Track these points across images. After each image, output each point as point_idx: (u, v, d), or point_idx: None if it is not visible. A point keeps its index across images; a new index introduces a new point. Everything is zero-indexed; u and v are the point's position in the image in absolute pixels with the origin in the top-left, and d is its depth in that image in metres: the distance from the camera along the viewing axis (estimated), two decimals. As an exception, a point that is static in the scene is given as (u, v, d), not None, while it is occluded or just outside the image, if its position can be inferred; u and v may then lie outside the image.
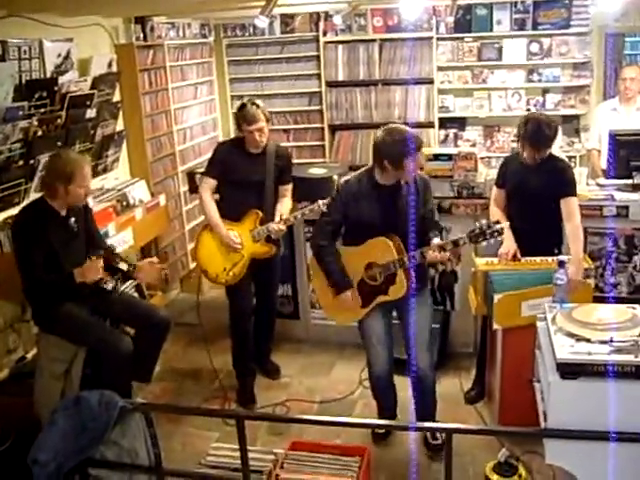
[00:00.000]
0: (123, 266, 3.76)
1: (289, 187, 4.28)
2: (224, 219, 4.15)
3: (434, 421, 3.64)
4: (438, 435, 3.67)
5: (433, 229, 3.45)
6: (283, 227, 4.11)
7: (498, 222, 3.33)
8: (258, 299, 4.47)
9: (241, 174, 4.10)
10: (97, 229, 3.96)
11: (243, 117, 3.99)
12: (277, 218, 4.12)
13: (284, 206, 4.23)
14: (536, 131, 3.60)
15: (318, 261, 3.63)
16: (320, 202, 3.80)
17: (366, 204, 3.44)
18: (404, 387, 3.78)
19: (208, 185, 4.18)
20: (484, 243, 3.32)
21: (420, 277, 3.49)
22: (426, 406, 3.67)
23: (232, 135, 6.83)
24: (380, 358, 3.60)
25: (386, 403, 3.83)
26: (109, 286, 3.72)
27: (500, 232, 3.29)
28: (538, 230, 3.72)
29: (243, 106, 4.03)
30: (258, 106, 4.01)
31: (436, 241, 3.34)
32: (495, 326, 3.62)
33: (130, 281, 4.21)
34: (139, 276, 3.87)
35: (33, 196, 4.20)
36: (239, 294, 4.27)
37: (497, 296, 3.54)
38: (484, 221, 3.30)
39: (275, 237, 4.17)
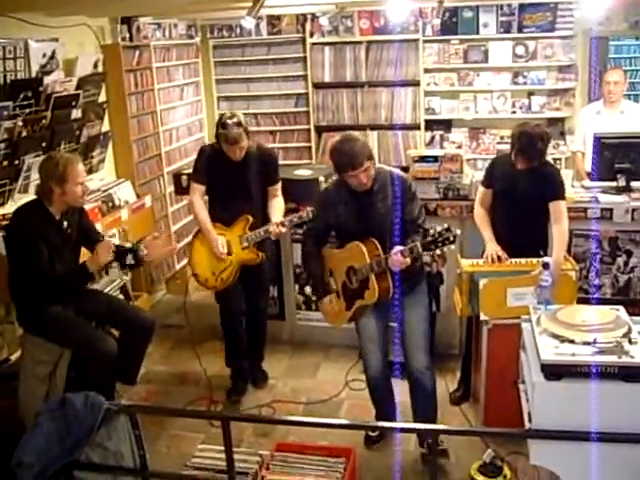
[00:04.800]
0: (128, 245, 3.74)
1: (278, 186, 4.23)
2: (216, 222, 4.13)
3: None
4: (440, 441, 3.46)
5: (412, 234, 3.28)
6: (284, 229, 4.02)
7: (449, 229, 3.11)
8: (248, 304, 4.45)
9: (225, 181, 4.06)
10: (95, 228, 3.94)
11: (225, 137, 3.90)
12: (274, 220, 4.05)
13: (277, 208, 4.17)
14: (529, 145, 3.60)
15: (304, 267, 3.65)
16: (309, 209, 3.79)
17: (343, 209, 3.43)
18: (405, 391, 3.66)
19: (197, 190, 4.15)
20: (437, 251, 3.13)
21: (410, 277, 3.38)
22: (425, 409, 3.54)
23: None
24: (373, 358, 3.54)
25: (383, 408, 3.72)
26: (115, 271, 3.68)
27: (452, 240, 3.10)
28: (524, 232, 3.73)
29: (224, 124, 3.88)
30: (240, 124, 3.89)
31: (398, 248, 3.18)
32: (482, 316, 3.60)
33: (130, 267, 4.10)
34: (148, 252, 3.72)
35: (17, 197, 4.17)
36: (227, 298, 4.27)
37: (482, 281, 3.54)
38: (438, 228, 3.12)
39: (275, 238, 4.17)
